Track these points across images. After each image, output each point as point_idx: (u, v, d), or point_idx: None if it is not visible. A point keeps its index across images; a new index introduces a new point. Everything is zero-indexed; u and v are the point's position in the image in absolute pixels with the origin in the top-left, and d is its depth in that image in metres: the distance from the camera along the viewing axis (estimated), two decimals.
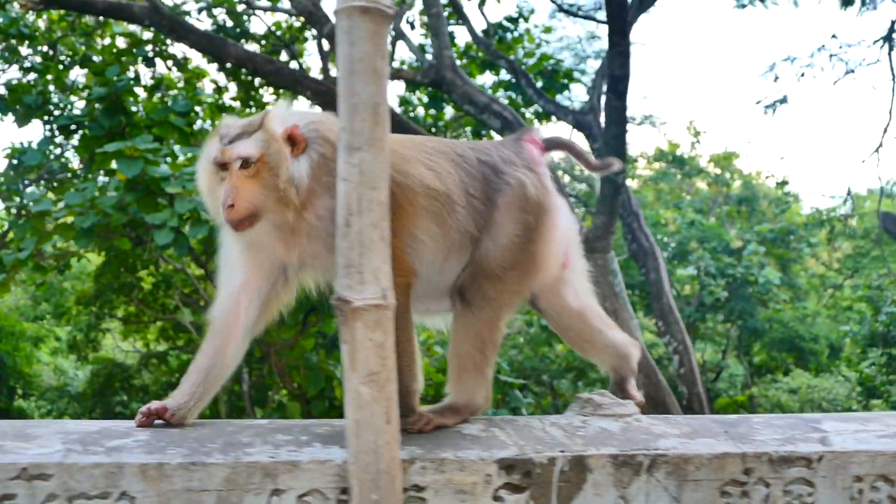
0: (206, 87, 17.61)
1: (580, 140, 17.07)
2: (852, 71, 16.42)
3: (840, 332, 25.64)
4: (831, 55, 16.42)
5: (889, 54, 15.82)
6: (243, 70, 16.02)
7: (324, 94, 14.05)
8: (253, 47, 17.21)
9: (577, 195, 24.69)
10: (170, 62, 16.96)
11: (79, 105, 14.86)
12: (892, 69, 15.84)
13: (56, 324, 25.05)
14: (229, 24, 17.34)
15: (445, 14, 16.35)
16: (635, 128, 29.08)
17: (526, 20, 19.04)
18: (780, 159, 60.54)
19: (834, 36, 16.93)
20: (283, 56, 17.94)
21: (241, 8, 17.47)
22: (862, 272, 28.91)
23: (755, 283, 25.12)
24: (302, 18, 17.35)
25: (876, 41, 15.90)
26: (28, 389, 24.24)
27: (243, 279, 3.26)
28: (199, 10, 17.07)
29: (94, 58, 15.80)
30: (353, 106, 2.85)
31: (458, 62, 15.97)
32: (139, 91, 14.72)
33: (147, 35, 16.41)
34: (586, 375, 25.89)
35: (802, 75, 16.54)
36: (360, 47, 2.85)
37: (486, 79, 18.99)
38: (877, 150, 16.26)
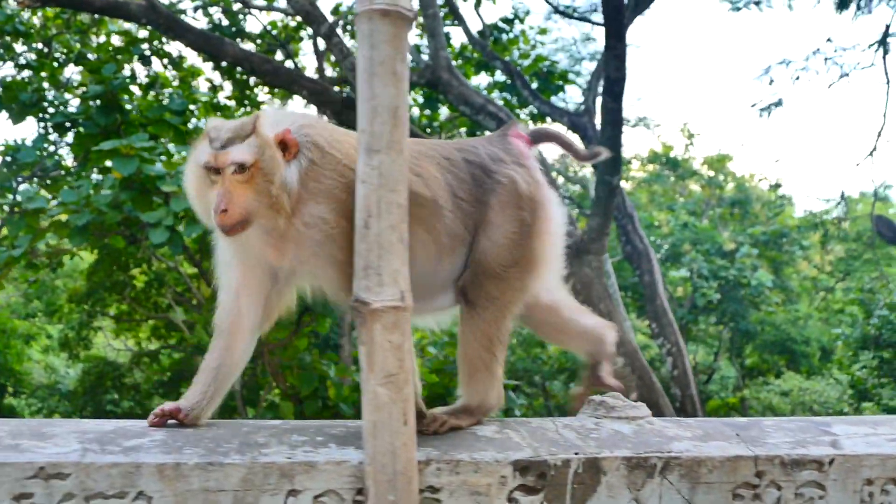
0: (201, 85, 17.58)
1: (575, 141, 17.05)
2: (847, 74, 16.48)
3: (832, 334, 25.72)
4: (826, 59, 16.48)
5: (884, 58, 15.89)
6: (238, 69, 15.99)
7: (320, 94, 14.03)
8: (248, 46, 17.19)
9: (571, 196, 24.69)
10: (165, 60, 16.93)
11: (73, 103, 14.82)
12: (886, 73, 15.91)
13: (48, 321, 25.00)
14: (225, 22, 17.32)
15: (441, 15, 16.34)
16: (629, 129, 29.12)
17: (521, 21, 19.03)
18: (776, 162, 60.67)
19: (829, 39, 17.02)
20: (279, 55, 17.92)
21: (237, 7, 17.44)
22: (854, 275, 29.00)
23: (748, 286, 25.17)
24: (297, 18, 17.33)
25: (871, 45, 15.96)
26: (19, 387, 24.17)
27: (243, 280, 3.26)
28: (195, 9, 17.04)
29: (89, 55, 15.73)
30: (373, 108, 2.85)
31: (453, 63, 15.97)
32: (134, 89, 14.68)
33: (143, 33, 16.37)
34: (578, 377, 25.89)
35: (797, 78, 16.61)
36: (380, 50, 2.85)
37: (481, 80, 18.99)
38: (871, 154, 16.32)
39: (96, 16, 16.31)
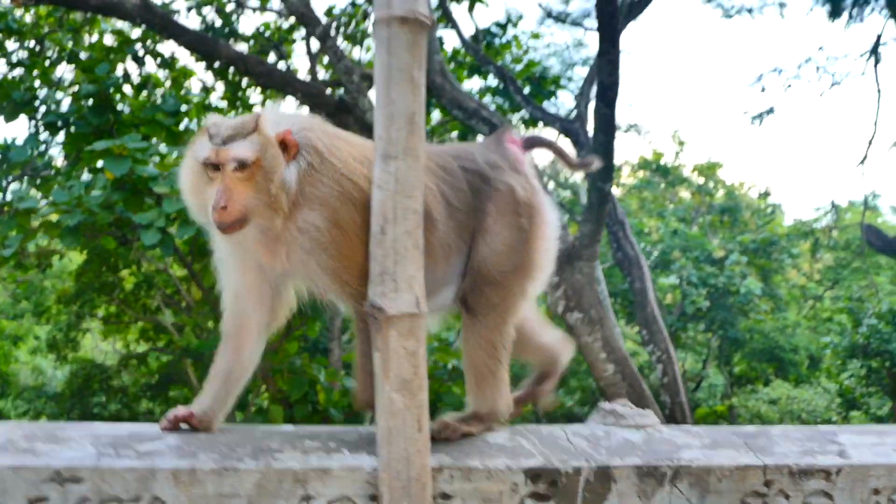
0: (193, 86, 17.54)
1: (567, 147, 17.08)
2: (838, 83, 16.58)
3: (820, 343, 25.79)
4: (818, 67, 16.58)
5: (875, 67, 15.99)
6: (231, 70, 15.96)
7: (314, 96, 14.02)
8: (241, 47, 17.16)
9: (562, 202, 24.73)
10: (158, 60, 16.88)
11: (65, 102, 14.77)
12: (877, 82, 16.02)
13: (36, 322, 24.87)
14: (218, 23, 17.28)
15: (435, 18, 16.34)
16: (620, 136, 29.20)
17: (514, 26, 19.05)
18: (767, 170, 61.11)
19: (821, 48, 17.13)
20: (271, 57, 17.89)
21: (230, 7, 17.40)
22: (842, 284, 29.13)
23: (737, 293, 25.23)
24: (291, 19, 17.31)
25: (862, 54, 16.06)
26: (5, 388, 24.04)
27: (245, 282, 3.25)
28: (189, 9, 16.99)
29: (82, 54, 15.68)
30: (389, 115, 2.86)
31: (446, 67, 15.97)
32: (127, 89, 14.63)
33: (136, 33, 16.32)
34: (566, 383, 25.93)
35: (789, 86, 16.69)
36: (398, 57, 2.86)
37: (473, 84, 19.01)
38: (861, 163, 16.41)
39: (89, 14, 16.26)
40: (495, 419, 3.34)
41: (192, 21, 17.05)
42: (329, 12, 17.52)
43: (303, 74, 17.76)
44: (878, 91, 15.88)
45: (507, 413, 3.37)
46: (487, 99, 18.25)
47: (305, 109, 14.27)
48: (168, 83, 16.60)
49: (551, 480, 3.05)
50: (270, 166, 3.03)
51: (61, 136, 13.86)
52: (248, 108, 17.43)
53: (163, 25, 13.66)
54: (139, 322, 20.34)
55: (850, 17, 15.22)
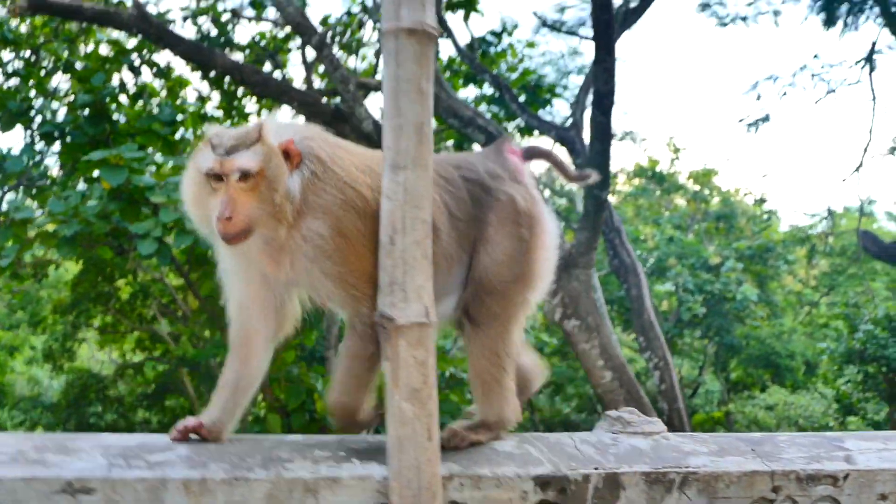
0: (189, 96, 17.54)
1: (563, 155, 17.12)
2: (833, 91, 16.64)
3: (816, 349, 25.78)
4: (813, 75, 16.64)
5: (870, 75, 16.06)
6: (227, 79, 15.96)
7: (310, 105, 14.03)
8: (236, 56, 17.17)
9: (558, 210, 24.75)
10: (153, 70, 16.89)
11: (61, 112, 14.75)
12: (872, 90, 16.08)
13: (32, 332, 24.82)
14: (213, 32, 17.29)
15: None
16: (615, 143, 29.24)
17: (510, 34, 19.08)
18: (763, 177, 61.23)
19: (816, 56, 17.21)
20: (267, 66, 17.90)
21: (225, 17, 17.42)
22: (838, 290, 29.16)
23: (733, 300, 25.26)
24: (286, 29, 17.33)
25: (857, 62, 16.12)
26: (1, 399, 23.98)
27: (250, 292, 3.25)
28: (184, 19, 17.00)
29: (78, 64, 15.67)
30: (398, 126, 2.88)
31: (442, 75, 15.99)
32: (122, 99, 14.63)
33: (131, 43, 16.32)
34: (564, 390, 25.93)
35: (784, 94, 16.74)
36: (406, 68, 2.88)
37: (469, 92, 19.03)
38: (857, 170, 16.47)
39: (84, 24, 16.27)
40: (503, 427, 3.34)
41: (187, 31, 17.05)
42: (325, 21, 17.54)
43: (298, 83, 17.76)
44: (874, 98, 15.89)
45: (514, 421, 3.38)
46: (483, 107, 18.26)
47: (301, 118, 14.27)
48: (163, 93, 16.60)
49: (560, 488, 3.06)
50: (274, 176, 3.03)
51: (57, 146, 13.86)
52: (244, 117, 17.43)
53: (159, 35, 13.67)
54: (135, 332, 20.32)
55: (845, 25, 15.31)
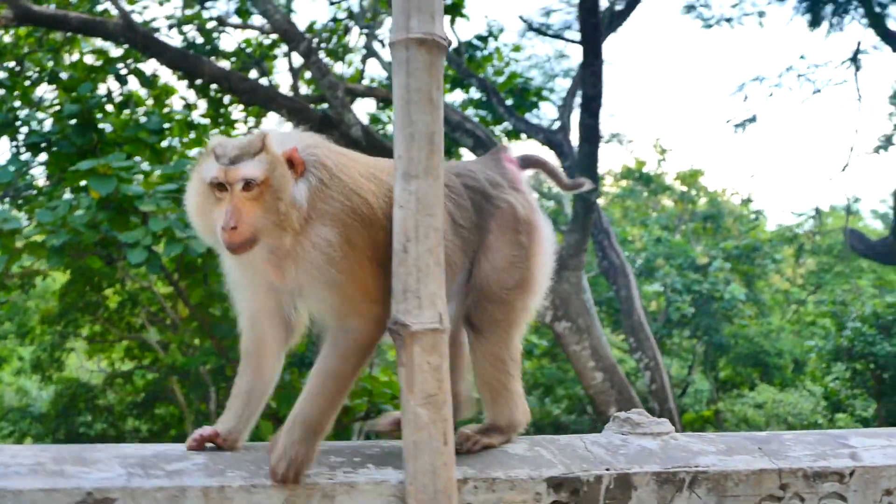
0: (175, 104, 17.50)
1: (551, 158, 17.19)
2: (819, 91, 16.77)
3: (804, 346, 25.92)
4: (799, 75, 16.76)
5: (855, 75, 16.19)
6: (213, 87, 15.96)
7: (298, 112, 14.05)
8: (223, 64, 17.17)
9: (546, 213, 24.79)
10: (140, 79, 16.86)
11: (47, 122, 14.68)
12: (858, 89, 16.23)
13: (19, 343, 24.72)
14: (199, 40, 17.28)
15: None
16: (602, 145, 29.31)
17: (496, 38, 19.16)
18: (750, 177, 61.62)
19: (802, 56, 17.32)
20: (253, 73, 17.91)
21: (211, 25, 17.41)
22: (825, 288, 29.31)
23: (721, 299, 25.38)
24: (272, 36, 17.34)
25: (843, 62, 16.25)
26: None
27: (258, 301, 3.24)
28: (170, 27, 16.99)
29: (62, 74, 15.63)
30: (409, 135, 2.91)
31: None
32: (109, 108, 14.59)
33: (117, 52, 16.30)
34: (553, 392, 25.98)
35: (771, 95, 16.86)
36: (417, 78, 2.91)
37: (456, 96, 19.08)
38: (844, 169, 16.59)
39: (69, 34, 16.23)
40: (514, 430, 3.37)
41: (173, 39, 17.00)
42: (311, 28, 17.56)
43: (284, 90, 17.77)
44: (859, 98, 16.04)
45: (525, 423, 3.41)
46: (471, 111, 18.32)
47: (289, 125, 14.28)
48: (150, 101, 16.57)
49: (573, 489, 3.10)
50: (279, 185, 3.02)
51: (43, 157, 13.81)
52: (231, 124, 17.42)
53: (145, 44, 13.67)
54: (124, 340, 20.29)
55: (831, 25, 15.43)
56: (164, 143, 13.14)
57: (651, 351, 16.49)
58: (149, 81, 16.34)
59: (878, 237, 20.83)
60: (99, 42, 16.37)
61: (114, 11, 15.04)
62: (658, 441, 3.41)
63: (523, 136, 17.96)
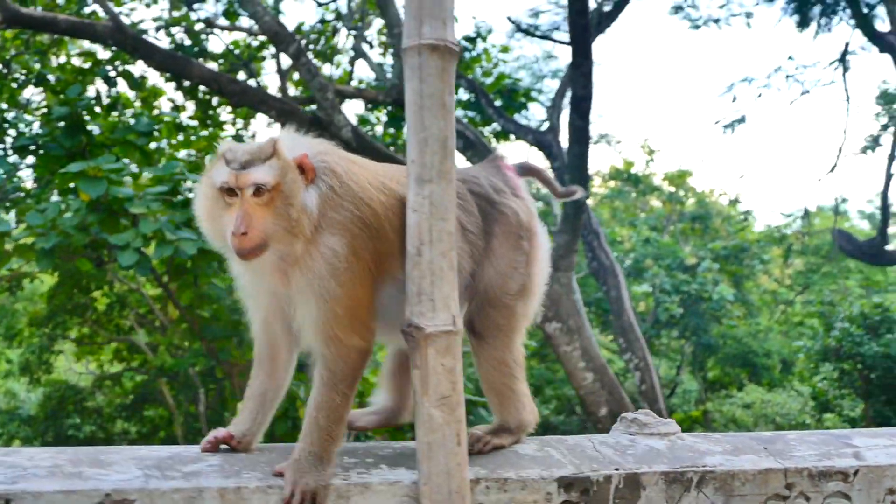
0: (163, 105, 17.48)
1: (540, 160, 17.25)
2: (808, 91, 16.85)
3: (792, 347, 26.04)
4: (787, 76, 16.84)
5: (843, 76, 16.28)
6: (202, 89, 15.92)
7: (288, 114, 14.03)
8: (211, 66, 17.14)
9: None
10: (129, 81, 16.82)
11: (34, 124, 14.64)
12: (846, 90, 16.31)
13: (7, 346, 24.61)
14: (187, 42, 17.25)
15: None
16: (591, 146, 29.40)
17: (484, 40, 19.20)
18: (740, 178, 61.92)
19: (790, 57, 17.39)
20: (241, 74, 17.89)
21: (199, 27, 17.39)
22: (813, 288, 29.44)
23: (709, 300, 25.48)
24: (260, 37, 17.33)
25: (831, 63, 16.33)
26: None
27: (268, 306, 3.24)
28: (157, 29, 16.95)
29: (50, 76, 15.58)
30: (423, 140, 2.95)
31: None
32: (98, 110, 14.55)
33: (105, 54, 16.25)
34: (542, 393, 26.01)
35: (760, 96, 16.94)
36: (429, 84, 2.95)
37: None
38: (832, 170, 16.68)
39: (56, 36, 16.18)
40: (523, 431, 3.41)
41: (160, 41, 16.96)
42: (299, 30, 17.55)
43: (272, 92, 17.75)
44: (847, 99, 16.14)
45: (534, 423, 3.44)
46: (459, 112, 18.31)
47: (278, 127, 14.25)
48: (138, 103, 16.53)
49: (583, 489, 3.15)
50: (290, 190, 3.01)
51: (31, 159, 13.77)
52: (219, 126, 17.41)
53: (134, 46, 13.64)
54: (112, 342, 20.24)
55: (819, 26, 15.50)
56: (153, 146, 13.11)
57: (641, 351, 16.55)
58: (137, 83, 16.31)
59: (865, 238, 20.92)
60: (87, 44, 16.31)
61: (101, 13, 15.00)
62: (665, 441, 3.46)
63: (512, 137, 18.00)
